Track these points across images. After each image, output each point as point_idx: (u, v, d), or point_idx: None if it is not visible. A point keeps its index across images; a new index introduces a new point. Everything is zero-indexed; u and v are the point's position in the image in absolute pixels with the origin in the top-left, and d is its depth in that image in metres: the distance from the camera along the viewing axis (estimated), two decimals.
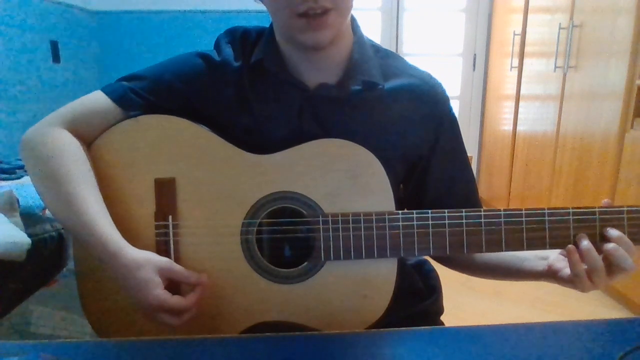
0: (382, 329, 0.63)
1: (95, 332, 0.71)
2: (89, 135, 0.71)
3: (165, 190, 0.69)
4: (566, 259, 0.66)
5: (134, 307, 0.63)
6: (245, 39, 0.75)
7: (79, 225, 0.64)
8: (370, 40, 0.77)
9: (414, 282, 0.83)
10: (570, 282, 0.65)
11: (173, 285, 0.65)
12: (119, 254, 0.63)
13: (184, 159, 0.69)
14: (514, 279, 0.75)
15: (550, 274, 0.68)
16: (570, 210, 0.64)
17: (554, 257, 0.69)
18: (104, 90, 0.72)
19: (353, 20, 0.75)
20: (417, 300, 0.82)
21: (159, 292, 0.61)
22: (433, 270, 0.88)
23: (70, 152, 0.67)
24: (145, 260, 0.63)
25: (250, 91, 0.72)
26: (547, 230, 0.65)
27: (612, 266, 0.63)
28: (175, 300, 0.62)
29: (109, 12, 2.89)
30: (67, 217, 0.65)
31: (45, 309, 1.14)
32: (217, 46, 0.75)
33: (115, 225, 0.66)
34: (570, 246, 0.63)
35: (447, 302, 0.87)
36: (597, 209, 0.64)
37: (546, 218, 0.65)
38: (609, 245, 0.62)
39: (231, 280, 0.68)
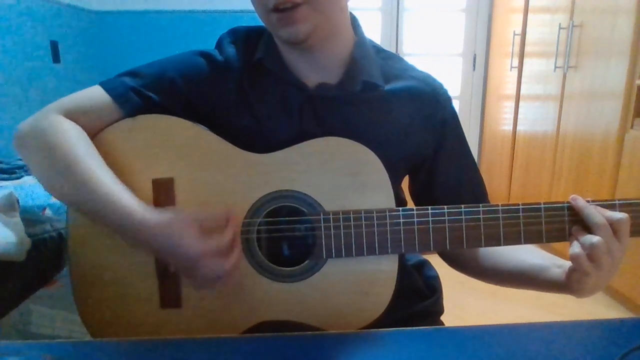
0: (382, 329, 0.63)
1: (89, 332, 0.71)
2: (85, 129, 0.69)
3: (163, 191, 0.69)
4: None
5: (182, 274, 0.62)
6: (248, 39, 0.75)
7: (99, 205, 0.62)
8: (372, 41, 0.77)
9: (414, 282, 0.83)
10: (574, 272, 0.62)
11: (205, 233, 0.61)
12: (144, 223, 0.60)
13: (182, 159, 0.69)
14: (530, 289, 0.72)
15: (565, 276, 0.65)
16: (565, 204, 0.65)
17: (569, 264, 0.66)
18: (103, 86, 0.71)
19: (354, 20, 0.75)
20: (417, 300, 0.82)
21: (195, 241, 0.59)
22: (433, 271, 0.88)
23: (74, 134, 0.66)
24: (170, 218, 0.60)
25: (250, 91, 0.72)
26: (543, 224, 0.66)
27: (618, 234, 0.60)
28: (214, 240, 0.60)
29: (109, 12, 2.89)
30: (82, 200, 0.64)
31: (45, 309, 1.14)
32: (220, 46, 0.75)
33: (131, 192, 0.64)
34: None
35: (447, 302, 0.87)
36: (590, 203, 0.65)
37: (542, 213, 0.65)
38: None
39: (232, 280, 0.68)
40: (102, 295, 0.69)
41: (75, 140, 0.65)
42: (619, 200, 0.65)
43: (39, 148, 0.66)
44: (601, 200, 0.65)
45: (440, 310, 0.86)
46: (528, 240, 0.66)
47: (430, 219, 0.66)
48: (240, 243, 0.64)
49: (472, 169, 0.80)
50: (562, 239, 0.66)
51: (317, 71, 0.72)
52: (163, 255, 0.61)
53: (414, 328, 0.63)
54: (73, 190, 0.64)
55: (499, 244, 0.66)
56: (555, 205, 0.65)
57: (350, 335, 0.62)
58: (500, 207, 0.66)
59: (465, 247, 0.66)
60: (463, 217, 0.66)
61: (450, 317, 0.85)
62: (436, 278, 0.87)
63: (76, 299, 0.70)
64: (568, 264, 0.65)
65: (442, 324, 0.84)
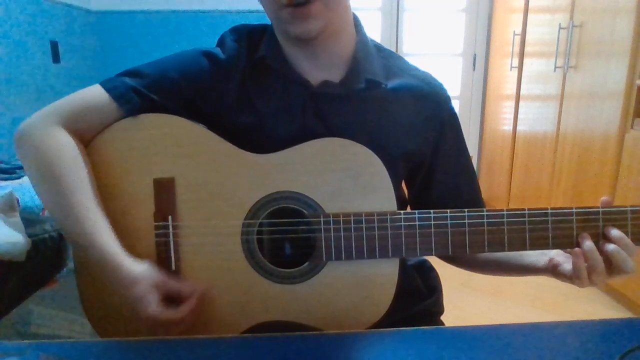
0: (382, 329, 0.63)
1: (96, 331, 0.71)
2: (86, 132, 0.70)
3: (164, 191, 0.69)
4: (566, 254, 0.67)
5: (134, 316, 0.64)
6: (251, 37, 0.75)
7: (78, 233, 0.64)
8: (373, 40, 0.77)
9: (414, 282, 0.83)
10: (569, 278, 0.65)
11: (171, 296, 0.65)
12: (116, 268, 0.63)
13: (183, 159, 0.69)
14: (514, 274, 0.75)
15: (550, 269, 0.68)
16: (574, 210, 0.64)
17: (554, 252, 0.69)
18: (104, 86, 0.71)
19: (356, 19, 0.75)
20: (417, 300, 0.82)
21: (153, 309, 0.61)
22: (433, 270, 0.88)
23: (69, 157, 0.66)
24: (140, 276, 0.63)
25: (253, 88, 0.72)
26: (550, 230, 0.64)
27: (612, 267, 0.63)
28: (167, 314, 0.62)
29: (109, 12, 2.89)
30: (66, 224, 0.65)
31: (45, 309, 1.14)
32: (222, 44, 0.75)
33: (114, 233, 0.66)
34: (577, 249, 0.63)
35: (447, 302, 0.87)
36: (600, 209, 0.64)
37: (549, 218, 0.64)
38: (610, 247, 0.62)
39: (232, 281, 0.68)
40: (105, 292, 0.69)
41: (68, 163, 0.66)
42: (630, 207, 0.64)
43: (32, 160, 0.67)
44: (612, 207, 0.64)
45: (440, 310, 0.86)
46: (533, 247, 0.65)
47: (432, 222, 0.65)
48: (193, 316, 0.65)
49: (470, 171, 0.81)
50: (569, 246, 0.65)
51: (320, 69, 0.72)
52: (121, 300, 0.64)
53: (414, 328, 0.63)
54: (56, 211, 0.66)
55: (502, 250, 0.65)
56: (562, 211, 0.64)
57: (350, 335, 0.62)
58: (505, 212, 0.65)
59: (467, 252, 0.66)
60: (466, 221, 0.65)
61: (450, 317, 0.85)
62: (436, 278, 0.87)
63: (80, 296, 0.71)
64: (550, 250, 0.69)
65: (442, 324, 0.84)
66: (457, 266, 0.83)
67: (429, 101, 0.75)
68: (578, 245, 0.64)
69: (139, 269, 0.64)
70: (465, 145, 0.80)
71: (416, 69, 0.78)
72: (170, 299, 0.64)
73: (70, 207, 0.64)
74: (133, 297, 0.62)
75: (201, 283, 0.68)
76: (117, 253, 0.64)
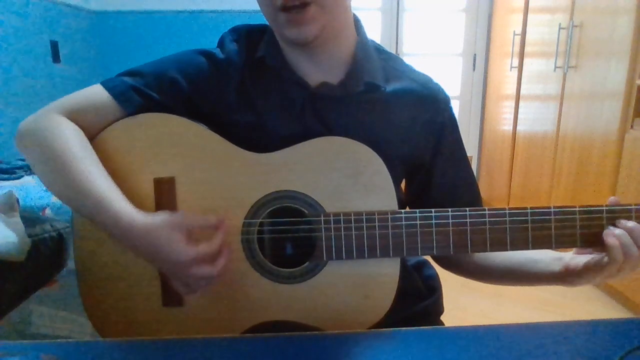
0: (382, 329, 0.63)
1: (97, 331, 0.71)
2: (87, 130, 0.69)
3: (164, 190, 0.69)
4: (580, 255, 0.66)
5: (170, 276, 0.61)
6: (250, 37, 0.75)
7: (89, 204, 0.62)
8: (373, 42, 0.77)
9: (414, 282, 0.83)
10: (591, 270, 0.63)
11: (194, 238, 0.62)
12: (132, 226, 0.60)
13: (183, 158, 0.69)
14: (527, 283, 0.74)
15: (567, 273, 0.67)
16: (577, 208, 0.63)
17: (569, 256, 0.68)
18: (104, 85, 0.71)
19: (357, 21, 0.75)
20: (417, 300, 0.82)
21: (182, 247, 0.59)
22: (433, 270, 0.88)
23: (72, 135, 0.66)
24: (157, 221, 0.60)
25: (252, 88, 0.72)
26: (553, 228, 0.64)
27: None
28: (203, 247, 0.60)
29: (109, 12, 2.89)
30: (75, 199, 0.64)
31: (45, 309, 1.14)
32: (221, 44, 0.75)
33: (123, 195, 0.63)
34: (609, 238, 0.61)
35: (447, 302, 0.87)
36: (604, 207, 0.63)
37: (552, 217, 0.64)
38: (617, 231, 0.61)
39: (232, 280, 0.68)
40: (106, 291, 0.69)
41: (71, 140, 0.66)
42: (635, 205, 0.63)
43: (37, 146, 0.67)
44: (616, 205, 0.63)
45: (440, 310, 0.86)
46: (536, 246, 0.64)
47: (433, 221, 0.65)
48: (229, 249, 0.63)
49: (468, 172, 0.81)
50: (573, 245, 0.64)
51: (319, 70, 0.72)
52: (150, 258, 0.62)
53: (414, 328, 0.63)
54: (66, 189, 0.64)
55: (505, 249, 0.65)
56: (565, 209, 0.64)
57: (350, 335, 0.62)
58: (507, 211, 0.64)
59: (469, 251, 0.65)
60: (468, 220, 0.64)
61: (450, 317, 0.85)
62: (435, 278, 0.87)
63: (81, 295, 0.71)
64: (565, 255, 0.68)
65: (442, 324, 0.84)
66: (467, 277, 0.81)
67: (428, 105, 0.75)
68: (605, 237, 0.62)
69: (152, 218, 0.61)
70: (464, 149, 0.80)
71: (416, 72, 0.78)
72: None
73: (76, 178, 0.63)
74: (158, 244, 0.59)
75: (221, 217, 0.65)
76: (130, 212, 0.61)
